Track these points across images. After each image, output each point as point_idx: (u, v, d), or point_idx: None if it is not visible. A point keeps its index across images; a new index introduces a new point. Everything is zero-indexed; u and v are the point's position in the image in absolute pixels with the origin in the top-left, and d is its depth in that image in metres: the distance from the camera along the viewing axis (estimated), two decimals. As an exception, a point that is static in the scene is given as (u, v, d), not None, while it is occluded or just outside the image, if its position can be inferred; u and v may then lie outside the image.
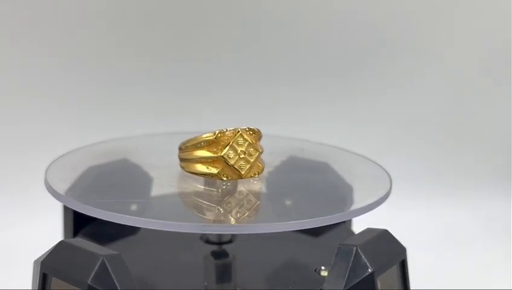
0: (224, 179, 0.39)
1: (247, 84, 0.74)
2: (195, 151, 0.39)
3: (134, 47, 0.72)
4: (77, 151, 0.45)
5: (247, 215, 0.38)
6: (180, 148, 0.41)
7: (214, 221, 0.37)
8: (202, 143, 0.39)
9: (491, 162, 0.77)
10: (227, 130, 0.39)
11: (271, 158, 0.42)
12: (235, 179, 0.39)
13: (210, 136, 0.39)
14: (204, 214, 0.38)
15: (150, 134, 0.51)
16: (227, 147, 0.39)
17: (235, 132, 0.39)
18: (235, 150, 0.39)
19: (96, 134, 0.55)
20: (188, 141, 0.40)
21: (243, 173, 0.39)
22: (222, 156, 0.39)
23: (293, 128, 0.70)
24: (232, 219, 0.37)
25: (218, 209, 0.38)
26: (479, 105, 0.77)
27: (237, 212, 0.38)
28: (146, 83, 0.73)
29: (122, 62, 0.72)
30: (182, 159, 0.41)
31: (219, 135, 0.39)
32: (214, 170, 0.39)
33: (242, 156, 0.39)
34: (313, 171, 0.45)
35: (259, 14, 0.73)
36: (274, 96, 0.74)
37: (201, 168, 0.39)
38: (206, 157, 0.39)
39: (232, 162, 0.39)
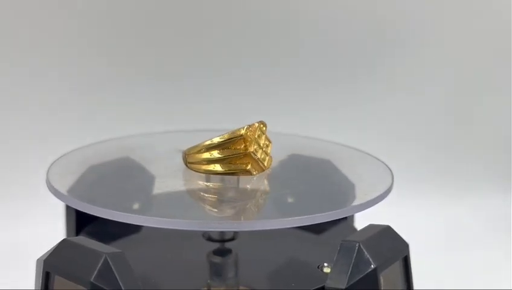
0: (254, 173, 0.40)
1: (248, 83, 0.74)
2: (222, 151, 0.39)
3: (135, 46, 0.72)
4: (79, 150, 0.45)
5: (249, 213, 0.38)
6: (195, 152, 0.40)
7: (215, 218, 0.37)
8: (228, 142, 0.39)
9: (491, 161, 0.77)
10: (250, 126, 0.39)
11: (273, 155, 0.42)
12: (261, 173, 0.40)
13: (239, 134, 0.39)
14: (206, 212, 0.38)
15: (150, 133, 0.51)
16: (254, 142, 0.39)
17: (256, 126, 0.40)
18: (259, 144, 0.39)
19: (98, 133, 0.55)
20: (205, 144, 0.40)
21: (265, 165, 0.40)
22: (252, 152, 0.39)
23: (294, 125, 0.71)
24: (233, 216, 0.37)
25: (220, 207, 0.38)
26: (480, 104, 0.76)
27: (239, 210, 0.38)
28: (147, 81, 0.72)
29: (123, 61, 0.72)
30: (200, 162, 0.40)
31: (246, 131, 0.39)
32: (244, 166, 0.39)
33: (264, 149, 0.40)
34: (315, 168, 0.45)
35: (262, 13, 0.73)
36: (276, 94, 0.74)
37: (229, 166, 0.39)
38: (235, 155, 0.39)
39: (258, 156, 0.39)
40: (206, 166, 0.40)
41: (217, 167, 0.39)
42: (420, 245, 0.54)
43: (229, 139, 0.39)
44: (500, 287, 0.59)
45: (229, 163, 0.39)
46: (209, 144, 0.39)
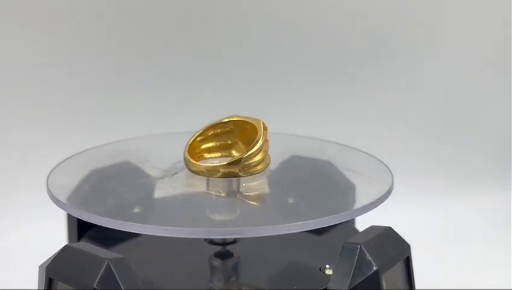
0: None
1: (247, 82, 0.74)
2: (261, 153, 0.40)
3: (135, 47, 0.72)
4: (79, 155, 0.45)
5: (251, 217, 0.38)
6: (234, 162, 0.40)
7: (218, 224, 0.37)
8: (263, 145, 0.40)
9: (491, 160, 0.77)
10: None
11: (273, 156, 0.42)
12: None
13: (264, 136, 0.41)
14: (208, 217, 0.38)
15: (150, 135, 0.51)
16: None
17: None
18: None
19: (98, 136, 0.55)
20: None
21: None
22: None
23: (294, 125, 0.71)
24: (236, 222, 0.37)
25: (222, 212, 0.38)
26: (479, 100, 0.76)
27: (241, 214, 0.38)
28: (146, 84, 0.72)
29: (122, 63, 0.72)
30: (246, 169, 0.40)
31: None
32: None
33: None
34: (315, 169, 0.45)
35: (260, 12, 0.73)
36: (274, 93, 0.74)
37: (265, 163, 0.41)
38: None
39: None
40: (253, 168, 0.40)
41: (259, 167, 0.40)
42: (420, 244, 0.54)
43: (264, 140, 0.40)
44: (501, 284, 0.59)
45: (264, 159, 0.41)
46: (253, 152, 0.40)
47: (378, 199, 0.37)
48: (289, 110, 0.74)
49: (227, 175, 0.39)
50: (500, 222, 0.71)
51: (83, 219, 0.37)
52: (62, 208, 0.38)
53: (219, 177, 0.39)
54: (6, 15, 0.69)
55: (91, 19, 0.71)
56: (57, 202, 0.38)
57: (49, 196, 0.39)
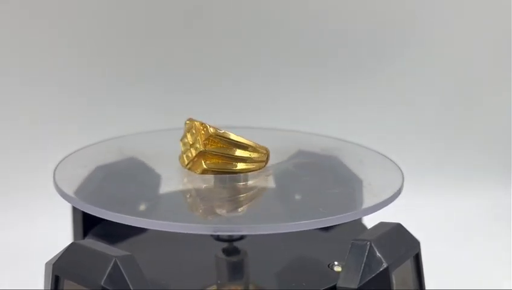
0: None
1: (250, 79, 0.73)
2: None
3: (141, 44, 0.72)
4: (84, 150, 0.45)
5: (259, 214, 0.37)
6: None
7: (225, 221, 0.37)
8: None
9: (493, 154, 0.77)
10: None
11: (279, 152, 0.42)
12: None
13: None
14: (215, 213, 0.38)
15: (156, 130, 0.51)
16: None
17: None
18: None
19: (103, 131, 0.55)
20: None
21: None
22: None
23: (300, 121, 0.70)
24: (243, 219, 0.37)
25: (229, 208, 0.38)
26: (482, 97, 0.76)
27: (248, 211, 0.38)
28: (150, 80, 0.72)
29: (126, 59, 0.71)
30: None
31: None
32: None
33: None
34: (322, 165, 0.44)
35: (261, 4, 0.72)
36: (279, 88, 0.74)
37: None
38: None
39: None
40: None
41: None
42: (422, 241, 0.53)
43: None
44: (504, 285, 0.59)
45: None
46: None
47: (390, 197, 0.37)
48: (292, 106, 0.74)
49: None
50: (502, 220, 0.71)
51: (90, 212, 0.36)
52: (69, 202, 0.38)
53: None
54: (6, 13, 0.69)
55: (91, 17, 0.70)
56: (63, 195, 0.38)
57: (56, 189, 0.38)
